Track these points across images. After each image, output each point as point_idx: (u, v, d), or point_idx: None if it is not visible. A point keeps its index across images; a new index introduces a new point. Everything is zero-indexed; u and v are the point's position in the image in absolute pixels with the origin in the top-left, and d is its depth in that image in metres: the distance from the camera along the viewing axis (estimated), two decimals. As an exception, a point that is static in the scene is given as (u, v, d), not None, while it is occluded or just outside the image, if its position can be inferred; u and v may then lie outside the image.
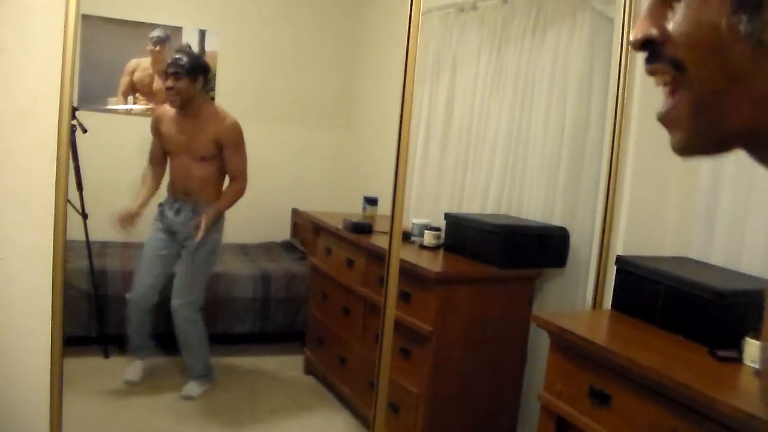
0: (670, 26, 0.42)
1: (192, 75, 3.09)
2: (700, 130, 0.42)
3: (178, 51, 3.20)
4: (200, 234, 3.10)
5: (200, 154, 3.17)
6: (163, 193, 3.35)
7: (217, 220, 3.26)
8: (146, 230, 3.41)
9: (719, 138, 0.42)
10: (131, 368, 3.40)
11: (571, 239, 2.76)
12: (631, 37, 0.45)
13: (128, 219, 3.17)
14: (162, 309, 3.36)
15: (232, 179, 3.26)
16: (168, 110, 3.24)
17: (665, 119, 0.44)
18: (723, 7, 0.38)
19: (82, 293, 3.55)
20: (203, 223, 3.11)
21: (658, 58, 0.43)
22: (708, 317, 1.86)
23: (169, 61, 3.11)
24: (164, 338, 3.62)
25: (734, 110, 0.39)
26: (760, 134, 0.39)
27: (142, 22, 4.31)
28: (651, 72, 0.44)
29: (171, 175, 3.28)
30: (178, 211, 3.25)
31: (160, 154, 3.31)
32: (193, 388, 3.32)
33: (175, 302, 3.22)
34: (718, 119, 0.40)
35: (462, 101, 3.42)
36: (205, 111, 3.19)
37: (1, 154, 1.99)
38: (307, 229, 4.16)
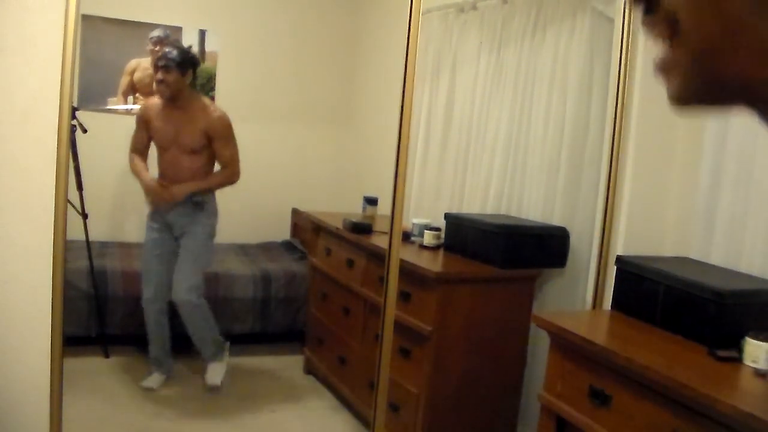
0: None
1: (181, 68, 3.11)
2: (697, 79, 0.40)
3: (167, 45, 3.23)
4: (169, 194, 3.14)
5: (190, 147, 3.19)
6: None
7: (208, 207, 3.28)
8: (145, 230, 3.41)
9: (718, 88, 0.40)
10: (151, 378, 3.38)
11: (571, 239, 2.76)
12: None
13: (162, 190, 3.19)
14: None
15: (222, 168, 3.28)
16: (156, 103, 3.25)
17: (661, 66, 0.42)
18: None
19: (82, 293, 3.55)
20: (178, 190, 3.15)
21: (654, 11, 0.42)
22: (708, 317, 1.86)
23: (159, 55, 3.14)
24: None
25: (733, 62, 0.37)
26: (761, 88, 0.37)
27: (142, 22, 4.31)
28: (647, 25, 0.43)
29: (161, 169, 3.28)
30: (170, 206, 3.25)
31: (144, 144, 3.31)
32: (214, 375, 3.33)
33: (177, 289, 3.21)
34: (716, 69, 0.38)
35: (462, 101, 3.42)
36: (194, 104, 3.21)
37: (1, 154, 1.99)
38: (307, 229, 4.16)
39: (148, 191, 3.24)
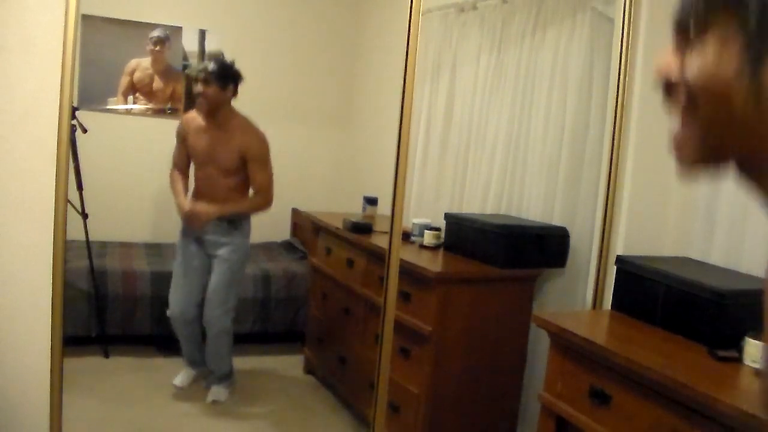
0: (687, 72, 0.49)
1: (221, 82, 3.01)
2: (704, 156, 0.51)
3: (209, 56, 3.09)
4: (198, 222, 3.07)
5: (225, 166, 3.10)
6: (187, 204, 3.28)
7: (243, 226, 3.21)
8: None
9: (718, 162, 0.51)
10: (182, 375, 3.38)
11: (571, 239, 2.76)
12: (654, 67, 0.54)
13: (194, 214, 3.11)
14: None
15: (255, 192, 3.20)
16: (195, 117, 3.17)
17: (676, 143, 0.53)
18: (734, 64, 0.45)
19: (82, 293, 3.55)
20: (205, 210, 3.08)
21: (673, 92, 0.52)
22: (708, 317, 1.86)
23: (200, 67, 3.03)
24: (159, 339, 3.63)
25: (732, 143, 0.48)
26: (746, 160, 0.49)
27: (142, 22, 4.31)
28: (667, 102, 0.53)
29: (196, 186, 3.22)
30: (202, 227, 3.17)
31: (184, 160, 3.25)
32: (219, 392, 3.30)
33: (210, 313, 3.16)
34: (719, 149, 0.49)
35: (462, 101, 3.42)
36: (233, 122, 3.11)
37: (1, 154, 1.99)
38: (307, 229, 4.16)
39: (181, 215, 3.18)
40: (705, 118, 0.49)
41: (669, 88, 0.52)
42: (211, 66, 3.00)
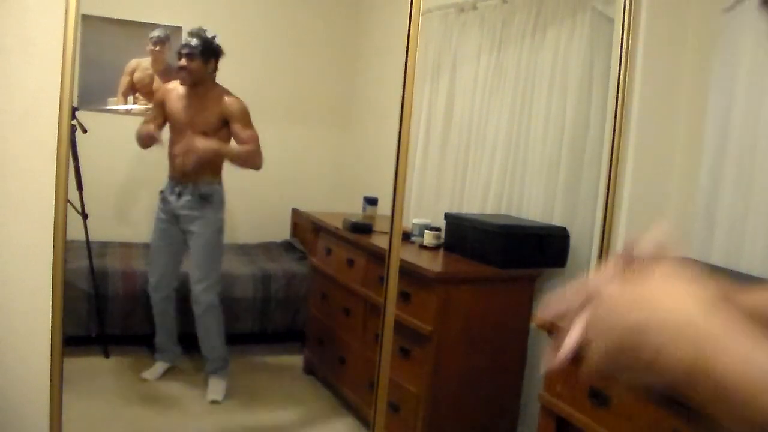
0: None
1: (204, 56, 3.13)
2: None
3: (191, 33, 3.19)
4: (195, 146, 3.07)
5: (203, 128, 3.15)
6: (163, 180, 3.34)
7: (215, 197, 3.25)
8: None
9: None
10: (152, 368, 3.43)
11: (571, 239, 2.76)
12: None
13: (150, 137, 3.17)
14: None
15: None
16: (177, 86, 3.27)
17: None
18: None
19: (82, 293, 3.55)
20: (202, 143, 3.08)
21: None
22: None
23: (183, 43, 3.17)
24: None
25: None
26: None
27: (142, 22, 4.31)
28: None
29: (170, 156, 3.26)
30: (179, 195, 3.24)
31: (157, 122, 3.30)
32: (216, 390, 3.30)
33: (196, 288, 3.24)
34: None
35: (462, 101, 3.42)
36: (213, 92, 3.21)
37: (1, 154, 1.99)
38: (307, 229, 4.16)
39: (170, 152, 3.20)
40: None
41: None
42: (194, 41, 3.12)
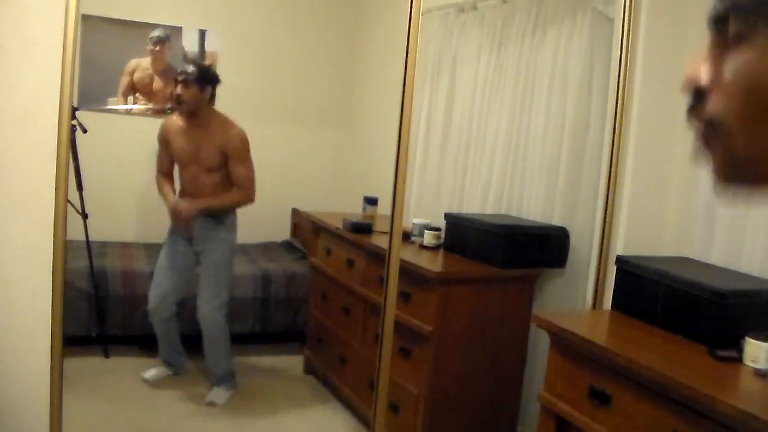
0: (724, 75, 0.43)
1: (200, 84, 3.11)
2: (736, 175, 0.46)
3: (187, 60, 3.21)
4: (182, 218, 3.14)
5: (208, 165, 3.18)
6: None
7: (227, 220, 3.28)
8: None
9: (754, 185, 0.46)
10: (153, 370, 3.43)
11: (571, 239, 2.76)
12: (684, 74, 0.47)
13: (177, 210, 3.18)
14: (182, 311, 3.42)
15: (236, 188, 3.24)
16: (176, 120, 3.26)
17: (711, 164, 0.47)
18: None
19: (82, 293, 3.55)
20: (186, 206, 3.14)
21: (699, 108, 0.46)
22: (708, 317, 1.86)
23: (179, 70, 3.15)
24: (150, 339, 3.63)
25: None
26: None
27: (142, 22, 4.31)
28: (692, 114, 0.47)
29: (181, 185, 3.30)
30: (188, 224, 3.24)
31: (168, 163, 3.32)
32: (218, 395, 3.30)
33: (204, 308, 3.23)
34: (754, 173, 0.44)
35: (462, 101, 3.42)
36: (213, 121, 3.19)
37: (1, 154, 1.99)
38: (307, 229, 4.16)
39: (170, 213, 3.26)
40: (737, 138, 0.43)
41: (698, 96, 0.47)
42: (190, 69, 3.12)
